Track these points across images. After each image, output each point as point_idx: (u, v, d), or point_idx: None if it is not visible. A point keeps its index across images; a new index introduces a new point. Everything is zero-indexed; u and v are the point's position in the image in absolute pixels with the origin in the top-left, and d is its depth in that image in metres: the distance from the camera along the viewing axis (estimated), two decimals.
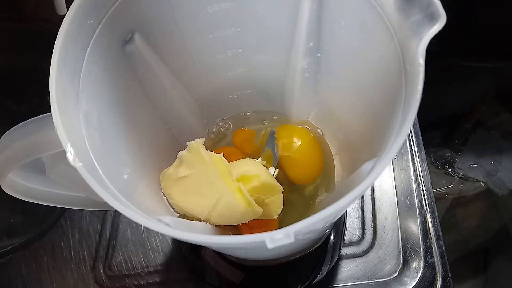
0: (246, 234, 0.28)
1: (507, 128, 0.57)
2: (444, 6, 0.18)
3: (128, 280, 0.36)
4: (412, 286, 0.35)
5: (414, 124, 0.43)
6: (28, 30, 0.48)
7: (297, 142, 0.33)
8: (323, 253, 0.34)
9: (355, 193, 0.16)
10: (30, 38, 0.47)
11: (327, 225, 0.27)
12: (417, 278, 0.35)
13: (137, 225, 0.39)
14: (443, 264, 0.35)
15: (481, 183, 0.55)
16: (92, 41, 0.21)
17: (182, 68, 0.29)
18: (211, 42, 0.28)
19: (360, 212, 0.38)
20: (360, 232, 0.37)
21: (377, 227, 0.37)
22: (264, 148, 0.32)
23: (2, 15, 0.47)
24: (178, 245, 0.38)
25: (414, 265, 0.35)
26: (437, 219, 0.37)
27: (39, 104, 0.42)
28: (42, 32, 0.44)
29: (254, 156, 0.33)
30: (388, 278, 0.35)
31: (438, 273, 0.35)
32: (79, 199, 0.26)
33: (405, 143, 0.42)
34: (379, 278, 0.35)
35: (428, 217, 0.37)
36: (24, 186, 0.23)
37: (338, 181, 0.32)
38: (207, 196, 0.25)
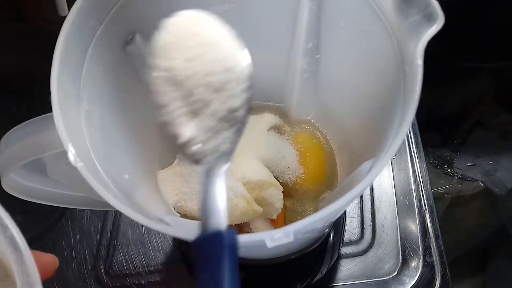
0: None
1: (506, 128, 0.57)
2: (442, 7, 0.18)
3: (129, 279, 0.37)
4: (411, 285, 0.35)
5: (412, 124, 0.43)
6: (30, 30, 0.48)
7: (300, 149, 0.32)
8: (322, 252, 0.34)
9: (354, 192, 0.16)
10: (31, 38, 0.47)
11: (326, 224, 0.27)
12: (416, 277, 0.35)
13: (138, 225, 0.39)
14: (442, 263, 0.35)
15: (480, 183, 0.55)
16: (93, 41, 0.21)
17: None
18: None
19: (359, 211, 0.38)
20: (359, 232, 0.37)
21: (376, 226, 0.37)
22: None
23: (3, 15, 0.47)
24: (179, 244, 0.38)
25: (413, 265, 0.36)
26: (436, 218, 0.38)
27: (40, 104, 0.42)
28: (44, 33, 0.44)
29: None
30: (387, 277, 0.35)
31: (437, 273, 0.35)
32: (80, 199, 0.26)
33: (404, 143, 0.42)
34: (378, 277, 0.35)
35: (427, 216, 0.38)
36: (25, 186, 0.23)
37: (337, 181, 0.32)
38: None
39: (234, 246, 0.14)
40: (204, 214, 0.16)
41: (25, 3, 0.48)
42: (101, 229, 0.39)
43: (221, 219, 0.15)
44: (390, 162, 0.41)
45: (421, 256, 0.36)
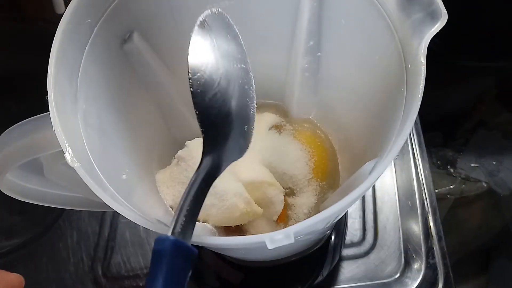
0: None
1: (508, 128, 0.57)
2: (445, 5, 0.18)
3: (126, 281, 0.36)
4: (413, 287, 0.34)
5: (415, 124, 0.42)
6: (28, 30, 0.48)
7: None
8: (323, 254, 0.33)
9: (356, 193, 0.16)
10: (31, 38, 0.47)
11: (327, 225, 0.26)
12: (419, 279, 0.35)
13: (136, 226, 0.39)
14: (444, 265, 0.35)
15: (483, 183, 0.55)
16: (90, 40, 0.21)
17: (182, 67, 0.29)
18: None
19: (361, 212, 0.38)
20: (361, 233, 0.37)
21: (378, 228, 0.37)
22: None
23: (3, 15, 0.47)
24: None
25: (415, 266, 0.35)
26: (439, 219, 0.37)
27: (38, 104, 0.42)
28: (44, 33, 0.44)
29: None
30: (390, 279, 0.35)
31: (439, 274, 0.35)
32: (77, 200, 0.26)
33: (406, 143, 0.41)
34: (380, 279, 0.35)
35: (430, 217, 0.37)
36: (22, 187, 0.23)
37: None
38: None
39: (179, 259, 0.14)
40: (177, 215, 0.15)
41: (25, 3, 0.48)
42: (98, 230, 0.38)
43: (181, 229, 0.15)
44: (392, 163, 0.41)
45: (424, 258, 0.36)
